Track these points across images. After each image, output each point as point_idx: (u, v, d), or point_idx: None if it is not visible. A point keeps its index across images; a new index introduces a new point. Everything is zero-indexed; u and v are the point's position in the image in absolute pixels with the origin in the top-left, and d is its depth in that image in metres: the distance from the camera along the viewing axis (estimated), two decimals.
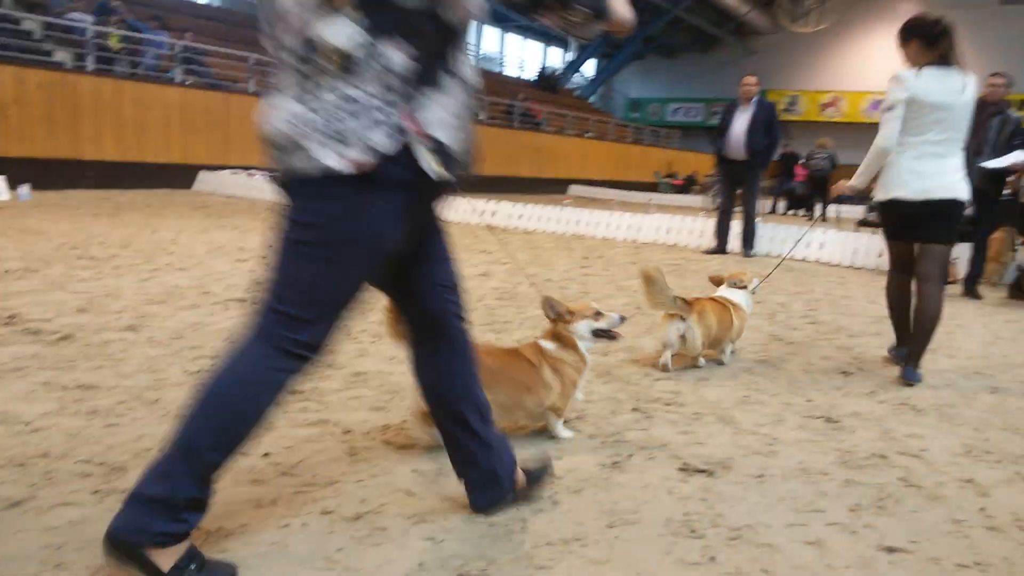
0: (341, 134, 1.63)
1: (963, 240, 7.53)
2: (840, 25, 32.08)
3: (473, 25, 1.79)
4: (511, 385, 2.68)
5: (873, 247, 8.87)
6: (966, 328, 5.55)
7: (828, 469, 2.71)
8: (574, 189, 24.48)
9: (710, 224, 10.03)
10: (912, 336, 4.01)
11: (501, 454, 2.18)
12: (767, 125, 8.91)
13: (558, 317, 2.85)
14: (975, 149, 6.62)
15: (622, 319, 2.89)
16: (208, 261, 6.44)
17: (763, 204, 13.49)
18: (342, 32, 1.61)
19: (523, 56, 37.23)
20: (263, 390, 1.77)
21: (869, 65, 31.50)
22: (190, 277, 5.65)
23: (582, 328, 2.84)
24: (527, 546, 2.04)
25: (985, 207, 7.03)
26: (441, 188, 1.81)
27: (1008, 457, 2.93)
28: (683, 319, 3.85)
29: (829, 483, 2.59)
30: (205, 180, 14.67)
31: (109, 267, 5.82)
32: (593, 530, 2.15)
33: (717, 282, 4.42)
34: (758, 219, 9.51)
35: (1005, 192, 7.25)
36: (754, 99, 9.03)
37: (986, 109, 6.86)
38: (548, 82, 32.47)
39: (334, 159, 1.64)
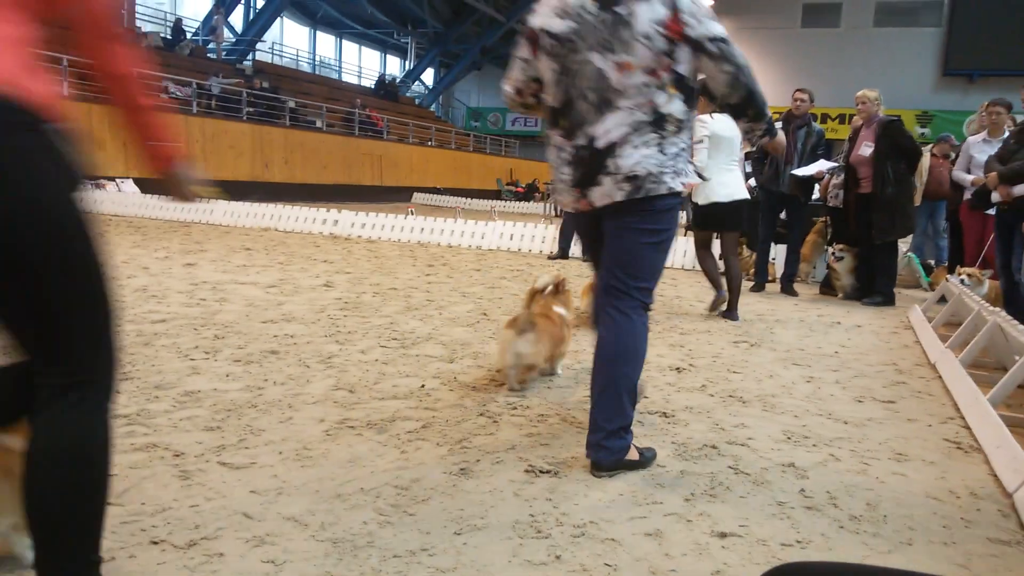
0: (681, 170, 2.66)
1: (779, 242, 8.15)
2: None
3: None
4: (555, 339, 3.80)
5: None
6: (784, 323, 5.99)
7: (664, 461, 2.83)
8: (418, 197, 24.43)
9: (551, 231, 10.28)
10: (728, 290, 5.98)
11: None
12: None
13: (559, 286, 4.04)
14: (785, 158, 7.19)
15: None
16: None
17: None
18: (678, 108, 2.62)
19: (360, 64, 36.78)
20: (645, 334, 2.76)
21: None
22: None
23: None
24: (373, 560, 2.00)
25: (796, 211, 7.63)
26: None
27: (822, 440, 3.18)
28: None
29: (666, 475, 2.70)
30: None
31: None
32: (441, 539, 2.14)
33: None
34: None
35: (815, 197, 7.89)
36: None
37: (792, 122, 7.47)
38: (388, 90, 32.24)
39: (679, 185, 2.64)
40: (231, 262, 7.74)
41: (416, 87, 37.26)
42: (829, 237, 8.19)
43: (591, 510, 2.38)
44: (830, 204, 7.83)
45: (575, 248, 9.76)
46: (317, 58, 34.46)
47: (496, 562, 2.03)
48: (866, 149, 6.99)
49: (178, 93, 18.97)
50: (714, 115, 5.63)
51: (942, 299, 6.62)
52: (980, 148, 7.13)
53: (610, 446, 2.65)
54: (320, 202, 16.70)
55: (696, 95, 2.72)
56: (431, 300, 6.12)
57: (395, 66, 38.68)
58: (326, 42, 35.21)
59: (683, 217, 10.18)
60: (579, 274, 7.27)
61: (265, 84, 22.53)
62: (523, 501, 2.42)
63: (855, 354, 4.96)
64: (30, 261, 1.45)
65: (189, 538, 2.07)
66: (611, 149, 2.59)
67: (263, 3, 26.45)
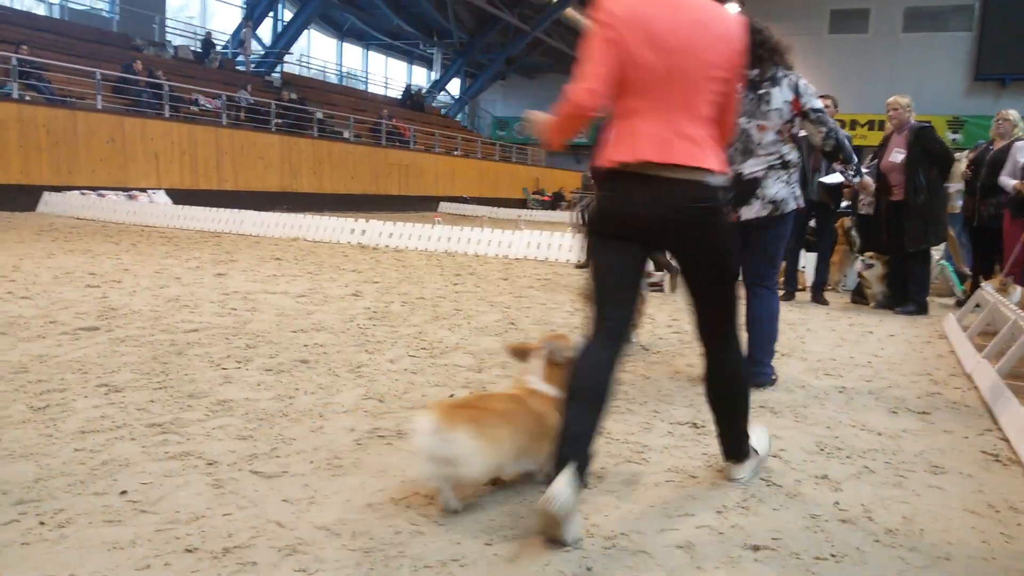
0: (798, 196, 3.95)
1: (809, 250, 8.07)
2: None
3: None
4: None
5: None
6: (815, 332, 5.93)
7: (696, 473, 2.81)
8: (444, 206, 24.52)
9: (578, 239, 10.25)
10: None
11: None
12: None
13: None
14: (813, 166, 7.13)
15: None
16: (55, 288, 6.01)
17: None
18: (793, 153, 3.93)
19: (387, 75, 37.07)
20: (777, 306, 4.08)
21: None
22: (34, 306, 5.24)
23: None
24: (405, 570, 2.00)
25: (826, 219, 7.56)
26: None
27: (856, 452, 3.13)
28: None
29: (697, 487, 2.68)
30: (50, 202, 13.72)
31: None
32: (472, 549, 2.14)
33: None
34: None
35: (844, 204, 7.81)
36: None
37: None
38: (414, 100, 32.45)
39: (795, 207, 3.93)
40: (261, 272, 7.82)
41: (442, 97, 37.43)
42: (858, 245, 8.10)
43: (622, 522, 2.37)
44: (860, 212, 7.74)
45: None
46: (344, 69, 34.79)
47: (527, 573, 2.02)
48: (897, 156, 6.91)
49: (208, 105, 19.24)
50: None
51: (977, 307, 6.52)
52: None
53: (763, 371, 4.04)
54: (348, 212, 16.83)
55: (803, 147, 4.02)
56: (459, 309, 6.13)
57: (421, 77, 38.92)
58: (353, 54, 35.56)
59: None
60: None
61: (293, 96, 22.77)
62: None
63: (888, 364, 4.89)
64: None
65: (223, 546, 2.09)
66: (756, 182, 3.84)
67: (291, 16, 26.78)
